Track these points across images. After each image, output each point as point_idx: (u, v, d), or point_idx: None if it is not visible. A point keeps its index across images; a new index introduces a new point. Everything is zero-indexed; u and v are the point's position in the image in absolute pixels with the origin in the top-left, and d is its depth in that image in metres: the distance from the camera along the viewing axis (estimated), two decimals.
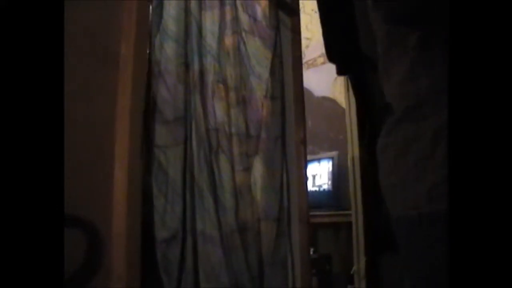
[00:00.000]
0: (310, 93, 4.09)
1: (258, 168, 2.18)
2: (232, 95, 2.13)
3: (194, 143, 1.96)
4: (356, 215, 3.02)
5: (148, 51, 1.84)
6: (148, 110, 1.79)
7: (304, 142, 2.39)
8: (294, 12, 2.56)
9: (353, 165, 3.10)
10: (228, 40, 2.16)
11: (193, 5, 2.07)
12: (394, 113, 1.03)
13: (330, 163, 3.85)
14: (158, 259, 1.88)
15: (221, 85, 2.10)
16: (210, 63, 2.08)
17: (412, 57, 0.98)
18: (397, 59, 1.03)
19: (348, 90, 3.33)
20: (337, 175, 3.77)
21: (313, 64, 4.30)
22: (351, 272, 3.27)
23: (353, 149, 3.13)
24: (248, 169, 2.14)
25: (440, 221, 0.88)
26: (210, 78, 2.06)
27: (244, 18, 2.25)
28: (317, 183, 3.87)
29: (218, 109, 2.07)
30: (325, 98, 4.30)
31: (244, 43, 2.24)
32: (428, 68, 0.96)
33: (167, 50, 1.91)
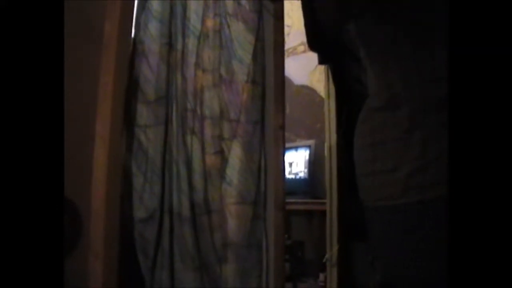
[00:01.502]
0: (289, 81, 4.10)
1: (236, 151, 2.19)
2: (208, 77, 2.13)
3: (174, 123, 1.96)
4: (331, 203, 3.06)
5: (133, 31, 1.84)
6: (129, 89, 1.78)
7: (282, 128, 2.41)
8: None
9: (330, 154, 3.13)
10: (210, 22, 2.15)
11: None
12: (373, 101, 1.06)
13: (307, 151, 3.87)
14: (135, 239, 1.88)
15: (199, 67, 2.10)
16: (193, 44, 2.07)
17: (385, 52, 1.02)
18: (374, 53, 1.05)
19: (328, 79, 3.36)
20: (313, 164, 3.80)
21: (293, 52, 4.31)
22: (324, 260, 3.31)
23: (331, 138, 3.15)
24: (220, 152, 2.15)
25: (414, 212, 0.92)
26: (193, 59, 2.06)
27: (228, 1, 2.24)
28: (293, 170, 3.90)
29: (196, 91, 2.08)
30: (304, 87, 4.32)
31: (228, 26, 2.23)
32: (398, 62, 0.99)
33: (151, 30, 1.91)
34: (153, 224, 1.92)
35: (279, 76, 2.48)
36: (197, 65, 2.10)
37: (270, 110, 2.40)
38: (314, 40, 3.23)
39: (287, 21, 3.93)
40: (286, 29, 3.87)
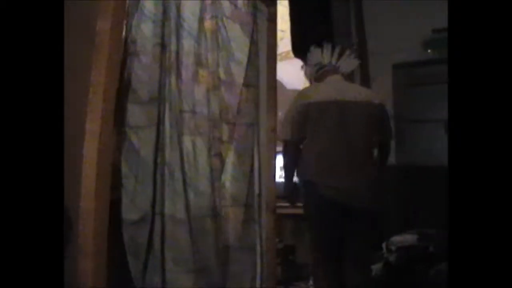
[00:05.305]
0: (282, 85, 4.09)
1: (229, 154, 2.19)
2: (209, 78, 2.12)
3: (167, 124, 1.95)
4: None
5: (124, 32, 1.83)
6: (121, 89, 1.77)
7: (275, 131, 2.41)
8: (271, 1, 2.57)
9: None
10: (207, 24, 2.15)
11: None
12: None
13: None
14: (126, 241, 1.86)
15: (200, 68, 2.09)
16: (190, 44, 2.06)
17: None
18: None
19: None
20: None
21: (286, 56, 4.30)
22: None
23: None
24: (219, 154, 2.14)
25: None
26: (189, 59, 2.05)
27: (225, 3, 2.24)
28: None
29: (197, 92, 2.07)
30: (296, 92, 4.30)
31: (225, 28, 2.23)
32: None
33: (144, 30, 1.90)
34: (144, 226, 1.90)
35: (272, 79, 2.48)
36: (198, 65, 2.09)
37: (262, 113, 2.40)
38: (300, 45, 3.29)
39: (281, 26, 3.94)
40: (280, 34, 3.88)
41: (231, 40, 2.24)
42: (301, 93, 2.56)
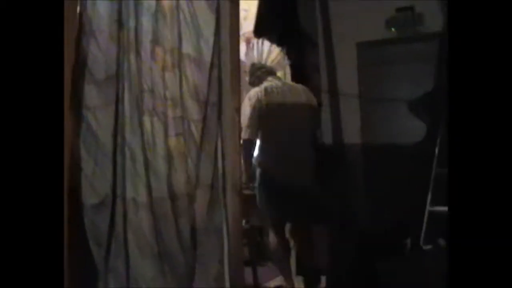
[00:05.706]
0: (245, 65, 4.06)
1: (194, 133, 2.15)
2: (168, 57, 2.07)
3: (126, 104, 1.89)
4: None
5: (79, 9, 1.76)
6: (76, 69, 1.71)
7: (238, 110, 2.38)
8: None
9: None
10: (165, 1, 2.08)
11: None
12: None
13: None
14: (87, 226, 1.81)
15: (157, 46, 2.04)
16: (148, 22, 2.00)
17: None
18: None
19: None
20: None
21: (250, 36, 4.26)
22: None
23: None
24: (182, 134, 2.10)
25: None
26: (148, 37, 1.99)
27: None
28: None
29: (154, 71, 2.01)
30: None
31: (192, 4, 2.17)
32: None
33: (100, 8, 1.83)
34: (105, 210, 1.85)
35: (235, 59, 2.44)
36: (156, 43, 2.03)
37: (226, 92, 2.36)
38: (266, 23, 3.42)
39: (244, 5, 3.89)
40: (243, 13, 3.83)
41: (198, 17, 2.20)
42: (249, 98, 3.00)
